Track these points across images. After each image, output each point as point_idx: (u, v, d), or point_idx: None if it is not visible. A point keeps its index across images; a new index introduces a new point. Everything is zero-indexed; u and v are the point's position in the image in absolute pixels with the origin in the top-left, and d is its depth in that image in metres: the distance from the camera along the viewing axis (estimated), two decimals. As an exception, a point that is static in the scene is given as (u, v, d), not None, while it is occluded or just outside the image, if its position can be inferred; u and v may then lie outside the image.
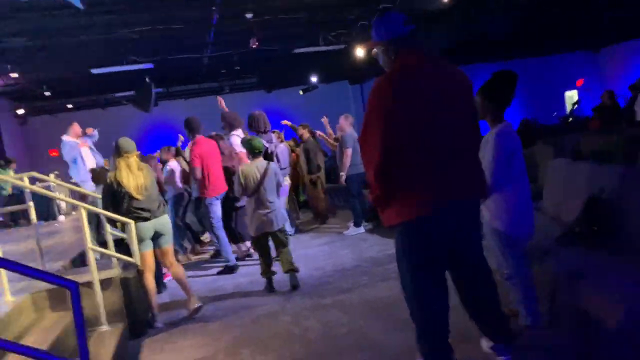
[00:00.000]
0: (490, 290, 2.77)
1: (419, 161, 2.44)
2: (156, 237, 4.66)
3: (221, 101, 7.40)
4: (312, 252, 6.72)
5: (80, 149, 7.90)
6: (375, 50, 2.73)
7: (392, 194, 2.48)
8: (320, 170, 8.81)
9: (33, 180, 5.57)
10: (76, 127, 8.10)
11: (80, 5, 4.69)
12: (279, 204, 5.34)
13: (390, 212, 2.52)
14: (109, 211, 4.37)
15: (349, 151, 7.25)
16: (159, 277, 5.57)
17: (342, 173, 7.40)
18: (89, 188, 7.15)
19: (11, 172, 10.51)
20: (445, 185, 2.45)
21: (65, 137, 7.96)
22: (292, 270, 5.21)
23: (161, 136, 14.82)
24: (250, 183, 5.06)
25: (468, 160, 2.57)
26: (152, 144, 13.93)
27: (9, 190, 9.95)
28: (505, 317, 2.97)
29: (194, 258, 7.36)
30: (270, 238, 5.24)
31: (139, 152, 4.72)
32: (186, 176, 7.25)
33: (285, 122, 8.88)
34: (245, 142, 5.26)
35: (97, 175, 6.58)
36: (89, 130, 8.44)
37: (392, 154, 2.42)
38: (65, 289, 1.93)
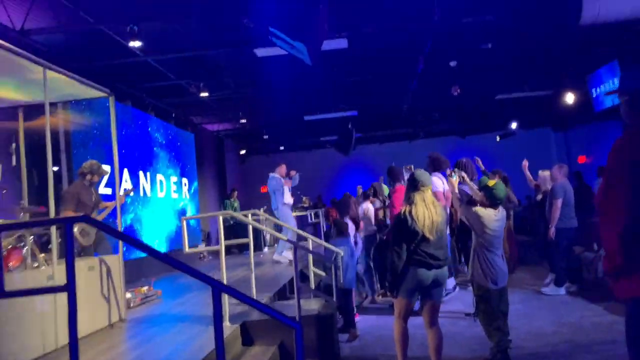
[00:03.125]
0: None
1: None
2: (432, 287, 3.87)
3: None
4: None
5: (284, 185, 8.90)
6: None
7: (635, 262, 2.30)
8: (509, 219, 8.35)
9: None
10: (283, 168, 9.20)
11: (309, 62, 5.37)
12: None
13: (631, 282, 2.32)
14: (396, 248, 3.85)
15: (559, 202, 6.70)
16: (351, 315, 5.59)
17: (551, 226, 6.91)
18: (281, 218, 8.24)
19: (236, 201, 12.22)
20: None
21: (272, 174, 9.05)
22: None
23: (354, 178, 15.70)
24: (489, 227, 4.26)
25: None
26: (345, 185, 14.82)
27: (230, 221, 11.48)
28: None
29: (380, 300, 7.38)
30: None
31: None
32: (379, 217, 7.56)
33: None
34: (486, 188, 4.38)
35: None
36: (292, 173, 9.40)
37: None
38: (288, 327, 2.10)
